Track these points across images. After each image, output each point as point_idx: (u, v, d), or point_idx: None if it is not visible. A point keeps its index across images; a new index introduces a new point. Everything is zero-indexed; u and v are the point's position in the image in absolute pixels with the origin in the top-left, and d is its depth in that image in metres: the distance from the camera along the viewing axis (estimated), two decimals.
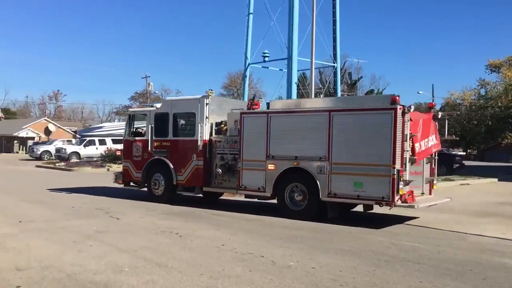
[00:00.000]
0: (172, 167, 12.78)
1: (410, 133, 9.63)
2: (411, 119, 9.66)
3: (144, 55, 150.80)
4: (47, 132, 64.08)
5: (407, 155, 9.55)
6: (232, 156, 11.90)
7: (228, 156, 12.02)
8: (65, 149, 37.56)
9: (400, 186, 9.35)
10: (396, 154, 9.31)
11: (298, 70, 25.93)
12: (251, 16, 26.30)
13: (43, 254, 6.92)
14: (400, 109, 9.35)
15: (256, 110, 11.65)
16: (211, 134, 12.39)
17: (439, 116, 11.00)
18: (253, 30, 26.21)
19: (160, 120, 13.12)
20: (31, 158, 42.39)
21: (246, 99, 24.85)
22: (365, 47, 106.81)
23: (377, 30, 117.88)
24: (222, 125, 12.29)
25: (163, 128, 13.05)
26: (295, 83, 24.23)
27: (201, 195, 13.02)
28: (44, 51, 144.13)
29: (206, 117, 12.25)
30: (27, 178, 21.18)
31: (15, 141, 64.40)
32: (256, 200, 11.93)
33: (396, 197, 9.37)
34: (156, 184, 13.31)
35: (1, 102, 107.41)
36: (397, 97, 9.42)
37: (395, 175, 9.24)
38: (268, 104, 11.81)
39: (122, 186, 14.28)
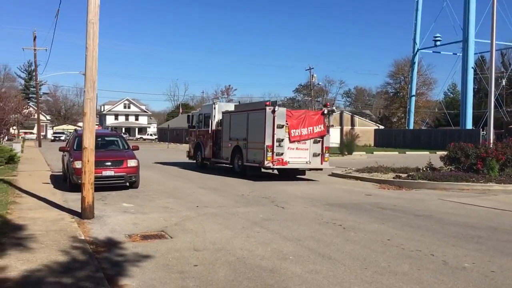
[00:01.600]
0: (202, 147, 21.80)
1: (286, 123, 16.61)
2: (289, 115, 16.73)
3: (309, 47, 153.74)
4: None
5: (283, 137, 16.55)
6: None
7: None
8: None
9: (269, 155, 16.35)
10: (266, 136, 16.45)
11: (475, 53, 23.44)
12: None
13: (216, 237, 7.58)
14: (269, 109, 16.43)
15: (227, 110, 19.90)
16: (217, 126, 20.42)
17: (325, 112, 17.21)
18: (423, 13, 24.50)
19: (197, 118, 22.53)
20: None
21: (414, 87, 23.70)
22: None
23: None
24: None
25: (199, 123, 22.23)
26: (472, 67, 22.00)
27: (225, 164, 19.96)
28: (216, 49, 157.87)
29: (214, 116, 20.63)
30: (204, 169, 23.42)
31: None
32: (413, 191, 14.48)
33: (266, 162, 16.42)
34: (198, 157, 22.52)
35: (181, 98, 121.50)
36: (267, 102, 16.97)
37: (265, 149, 16.36)
38: (235, 105, 20.52)
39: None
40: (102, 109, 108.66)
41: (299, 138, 16.89)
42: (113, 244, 7.08)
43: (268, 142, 16.38)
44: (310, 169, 17.81)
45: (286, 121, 16.67)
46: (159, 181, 16.42)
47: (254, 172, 17.34)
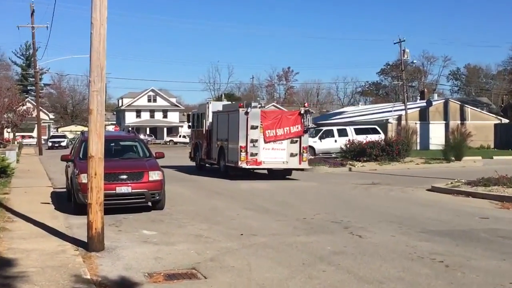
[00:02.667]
0: (199, 148, 27.86)
1: (261, 124, 22.30)
2: (264, 116, 22.52)
3: (399, 12, 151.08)
4: None
5: (257, 137, 22.31)
6: None
7: None
8: None
9: (242, 155, 22.11)
10: (240, 136, 22.25)
11: None
12: None
13: (266, 277, 7.58)
14: (242, 110, 22.25)
15: (218, 110, 26.15)
16: (210, 126, 26.39)
17: (302, 112, 22.90)
18: None
19: (195, 118, 29.32)
20: None
21: None
22: None
23: None
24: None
25: (196, 123, 28.89)
26: None
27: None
28: (270, 20, 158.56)
29: (208, 116, 26.62)
30: (251, 181, 23.56)
31: None
32: None
33: (240, 162, 22.27)
34: (196, 158, 28.95)
35: (224, 86, 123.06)
36: (240, 104, 23.21)
37: (238, 149, 22.10)
38: (223, 105, 27.19)
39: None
40: (120, 104, 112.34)
41: (275, 138, 22.58)
42: (128, 286, 7.19)
43: (241, 143, 22.30)
44: (288, 169, 23.83)
45: (261, 122, 22.55)
46: (192, 199, 16.69)
47: (235, 172, 23.36)
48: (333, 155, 35.38)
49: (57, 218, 12.53)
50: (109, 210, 11.66)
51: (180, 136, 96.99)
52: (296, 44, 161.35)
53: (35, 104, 56.44)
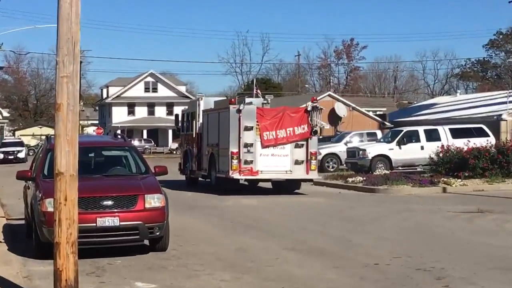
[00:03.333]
0: (189, 156, 30.76)
1: (257, 125, 24.90)
2: (261, 114, 25.27)
3: None
4: (335, 117, 69.73)
5: (253, 141, 24.94)
6: None
7: None
8: (363, 150, 39.87)
9: (234, 163, 24.68)
10: (231, 140, 25.21)
11: None
12: None
13: None
14: (233, 107, 25.37)
15: (211, 108, 30.02)
16: (200, 129, 29.80)
17: (309, 109, 25.76)
18: None
19: (184, 119, 32.96)
20: None
21: None
22: None
23: None
24: None
25: (185, 125, 32.58)
26: None
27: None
28: None
29: (198, 115, 29.61)
30: (295, 203, 23.49)
31: None
32: None
33: (231, 172, 25.06)
34: (186, 170, 31.68)
35: (256, 68, 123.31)
36: (231, 100, 27.57)
37: (229, 156, 24.72)
38: (214, 102, 31.02)
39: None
40: (105, 95, 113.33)
41: (275, 142, 25.14)
42: None
43: (232, 148, 24.89)
44: (293, 180, 26.25)
45: (257, 122, 25.19)
46: (209, 235, 16.78)
47: (227, 185, 25.88)
48: (419, 169, 35.00)
49: (10, 264, 12.57)
50: (87, 251, 11.66)
51: None
52: (363, 3, 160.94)
53: None
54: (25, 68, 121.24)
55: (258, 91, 32.49)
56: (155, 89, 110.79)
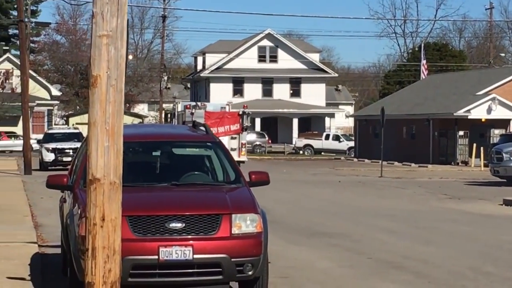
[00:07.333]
0: None
1: (204, 122, 49.90)
2: (208, 116, 74.56)
3: None
4: None
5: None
6: None
7: None
8: None
9: None
10: None
11: None
12: None
13: None
14: (188, 111, 73.83)
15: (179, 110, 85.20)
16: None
17: (241, 113, 76.60)
18: None
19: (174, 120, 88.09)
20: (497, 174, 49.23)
21: None
22: None
23: None
24: None
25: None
26: None
27: None
28: None
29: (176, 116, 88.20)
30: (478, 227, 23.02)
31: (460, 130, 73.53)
32: None
33: None
34: None
35: (427, 28, 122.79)
36: (187, 105, 77.31)
37: None
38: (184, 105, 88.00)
39: None
40: (200, 65, 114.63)
41: (217, 135, 34.57)
42: None
43: None
44: None
45: (205, 121, 54.83)
46: (336, 281, 16.62)
47: None
48: None
49: None
50: None
51: (328, 136, 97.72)
52: None
53: (19, 64, 58.59)
54: (85, 26, 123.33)
55: (246, 106, 63.40)
56: (273, 58, 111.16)
